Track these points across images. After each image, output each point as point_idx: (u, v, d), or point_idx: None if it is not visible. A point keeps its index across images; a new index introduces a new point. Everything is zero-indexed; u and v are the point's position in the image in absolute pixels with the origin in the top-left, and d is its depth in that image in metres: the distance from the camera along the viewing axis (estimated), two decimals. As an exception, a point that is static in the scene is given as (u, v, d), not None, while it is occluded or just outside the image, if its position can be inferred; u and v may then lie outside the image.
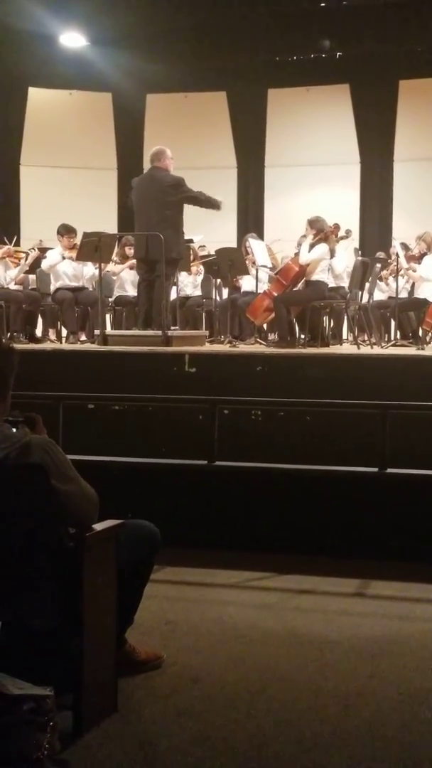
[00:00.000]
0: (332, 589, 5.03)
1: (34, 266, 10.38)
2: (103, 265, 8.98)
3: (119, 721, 3.21)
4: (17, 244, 10.82)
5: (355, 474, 5.55)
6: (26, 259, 10.20)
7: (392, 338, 10.08)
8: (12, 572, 3.01)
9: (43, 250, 10.43)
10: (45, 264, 9.96)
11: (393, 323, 10.47)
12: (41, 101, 15.80)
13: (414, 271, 9.93)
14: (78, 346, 9.18)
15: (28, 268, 10.32)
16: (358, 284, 9.56)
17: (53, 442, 3.11)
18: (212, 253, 10.76)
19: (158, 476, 5.86)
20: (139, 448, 6.07)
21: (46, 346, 9.26)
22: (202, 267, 11.04)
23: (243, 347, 8.67)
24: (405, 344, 9.65)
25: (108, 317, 10.41)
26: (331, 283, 9.02)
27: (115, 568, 3.26)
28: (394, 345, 9.50)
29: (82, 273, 9.92)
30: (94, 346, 8.47)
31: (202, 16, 14.03)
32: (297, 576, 5.26)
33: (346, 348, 9.28)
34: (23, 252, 10.37)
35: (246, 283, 10.53)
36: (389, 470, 5.39)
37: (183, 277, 10.62)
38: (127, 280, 10.54)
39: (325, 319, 9.25)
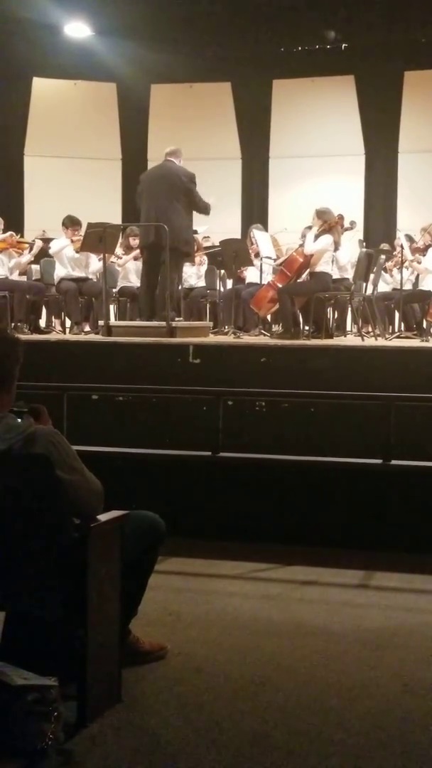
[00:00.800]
0: (336, 581, 5.05)
1: (39, 257, 10.37)
2: (107, 255, 8.97)
3: (123, 712, 3.22)
4: (21, 234, 10.79)
5: (359, 465, 5.55)
6: (30, 250, 10.18)
7: (396, 330, 10.08)
8: (16, 563, 3.01)
9: (46, 241, 10.40)
10: (54, 247, 9.91)
11: (397, 315, 10.46)
12: (45, 91, 15.74)
13: (418, 262, 9.91)
14: (82, 337, 9.16)
15: (32, 259, 10.30)
16: (363, 276, 9.55)
17: (58, 432, 3.12)
18: (216, 243, 10.75)
19: (162, 467, 5.87)
20: (144, 439, 6.07)
21: (51, 336, 9.24)
22: (205, 257, 11.02)
23: (247, 338, 8.67)
24: (409, 336, 9.65)
25: (112, 308, 10.38)
26: (336, 275, 8.99)
27: (120, 559, 3.26)
28: (398, 337, 9.50)
29: (88, 260, 9.90)
30: (98, 337, 8.45)
31: (207, 6, 13.98)
32: (301, 567, 5.28)
33: (350, 339, 9.25)
34: (27, 243, 10.34)
35: (250, 274, 10.50)
36: (393, 462, 5.40)
37: (187, 267, 10.59)
38: (131, 271, 10.53)
39: (330, 310, 9.23)
